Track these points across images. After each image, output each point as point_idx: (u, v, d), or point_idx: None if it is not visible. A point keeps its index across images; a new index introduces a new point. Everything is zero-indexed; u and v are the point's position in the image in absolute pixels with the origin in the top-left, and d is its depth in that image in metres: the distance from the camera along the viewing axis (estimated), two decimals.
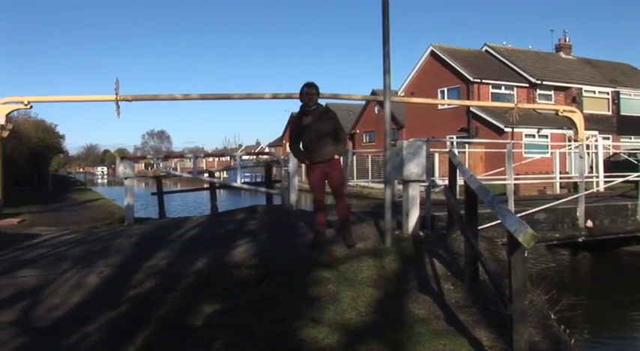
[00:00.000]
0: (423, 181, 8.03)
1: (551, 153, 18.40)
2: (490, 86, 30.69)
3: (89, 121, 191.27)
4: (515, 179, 10.78)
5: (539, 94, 31.53)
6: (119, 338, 4.45)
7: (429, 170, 8.20)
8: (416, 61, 35.25)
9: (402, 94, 34.03)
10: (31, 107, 12.80)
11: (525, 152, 22.65)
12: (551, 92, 31.90)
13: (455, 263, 6.29)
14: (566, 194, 12.97)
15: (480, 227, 6.59)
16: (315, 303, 5.16)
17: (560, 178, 15.64)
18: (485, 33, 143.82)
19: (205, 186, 15.86)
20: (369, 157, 30.77)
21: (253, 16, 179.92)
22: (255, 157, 36.26)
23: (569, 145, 17.50)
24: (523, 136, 27.48)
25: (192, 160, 13.90)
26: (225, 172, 31.20)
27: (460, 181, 7.70)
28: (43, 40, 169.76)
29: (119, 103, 11.86)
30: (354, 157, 20.26)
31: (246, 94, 14.50)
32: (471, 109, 29.79)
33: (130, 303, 5.35)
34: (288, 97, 12.62)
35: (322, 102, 7.30)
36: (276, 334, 4.47)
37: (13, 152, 23.24)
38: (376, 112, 43.51)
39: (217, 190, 15.55)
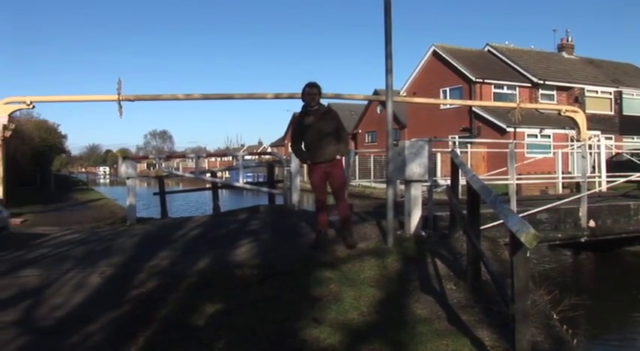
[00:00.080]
0: (425, 181, 8.02)
1: (554, 153, 18.35)
2: (492, 86, 30.64)
3: (91, 120, 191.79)
4: (518, 179, 10.78)
5: (542, 94, 31.47)
6: (121, 338, 4.46)
7: (431, 170, 8.20)
8: (418, 60, 35.26)
9: (405, 94, 34.01)
10: (33, 107, 12.84)
11: (528, 152, 22.60)
12: (554, 92, 31.84)
13: (457, 263, 6.28)
14: (568, 194, 12.95)
15: (482, 227, 6.59)
16: (317, 303, 5.16)
17: (563, 178, 15.65)
18: (488, 33, 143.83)
19: (207, 186, 15.91)
20: (372, 157, 30.78)
21: (256, 15, 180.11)
22: (257, 157, 36.21)
23: (571, 145, 17.49)
24: (525, 136, 27.45)
25: (194, 160, 13.90)
26: (227, 172, 31.23)
27: (462, 181, 7.70)
28: (43, 40, 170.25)
29: (121, 103, 11.90)
30: (357, 157, 20.28)
31: (248, 94, 14.56)
32: (473, 109, 29.76)
33: (132, 303, 5.35)
34: (291, 97, 12.66)
35: (324, 102, 7.28)
36: (278, 334, 4.47)
37: (16, 152, 23.30)
38: (378, 112, 43.47)
39: (219, 190, 15.57)
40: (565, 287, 8.02)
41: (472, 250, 5.53)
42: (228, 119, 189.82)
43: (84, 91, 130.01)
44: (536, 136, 28.25)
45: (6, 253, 8.02)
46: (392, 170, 7.40)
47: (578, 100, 31.00)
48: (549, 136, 28.28)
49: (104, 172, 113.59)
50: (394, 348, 4.20)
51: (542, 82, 30.81)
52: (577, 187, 13.91)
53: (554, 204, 9.87)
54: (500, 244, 7.27)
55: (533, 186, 20.38)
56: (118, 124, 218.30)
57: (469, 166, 7.44)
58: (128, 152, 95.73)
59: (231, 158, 43.41)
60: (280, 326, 4.62)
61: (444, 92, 32.35)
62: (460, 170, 6.93)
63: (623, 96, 33.17)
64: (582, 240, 10.40)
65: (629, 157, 17.22)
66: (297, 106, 7.25)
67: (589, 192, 10.53)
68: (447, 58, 32.50)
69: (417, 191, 7.80)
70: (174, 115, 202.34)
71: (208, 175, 15.69)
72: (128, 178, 11.31)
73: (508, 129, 27.39)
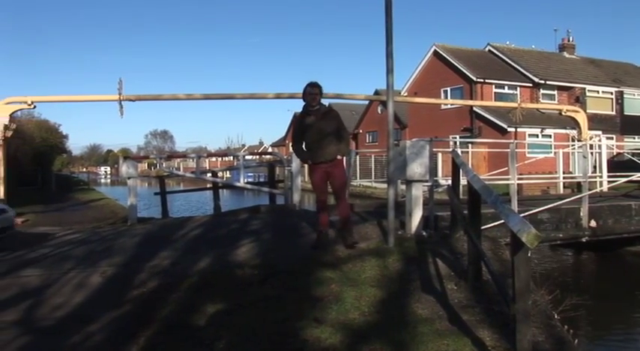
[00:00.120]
0: (426, 181, 8.02)
1: (555, 153, 18.35)
2: (493, 86, 30.63)
3: (92, 120, 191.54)
4: (519, 179, 10.78)
5: (543, 94, 31.45)
6: (122, 338, 4.46)
7: (432, 170, 8.20)
8: (419, 60, 35.24)
9: (405, 93, 34.00)
10: (34, 107, 12.84)
11: (529, 152, 22.60)
12: (555, 92, 31.82)
13: (458, 263, 6.28)
14: (569, 194, 12.95)
15: (483, 227, 6.59)
16: (318, 303, 5.16)
17: (564, 178, 15.65)
18: (489, 33, 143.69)
19: (208, 186, 15.91)
20: (372, 157, 30.75)
21: (257, 15, 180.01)
22: (258, 156, 36.21)
23: (572, 145, 17.49)
24: (526, 136, 27.44)
25: (195, 160, 13.93)
26: (228, 172, 31.21)
27: (463, 181, 7.69)
28: (43, 40, 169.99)
29: (122, 102, 11.91)
30: (358, 157, 20.29)
31: (249, 94, 14.56)
32: (474, 108, 29.75)
33: (133, 303, 5.36)
34: (291, 96, 12.67)
35: (325, 102, 7.27)
36: (279, 334, 4.47)
37: (17, 152, 23.32)
38: (379, 111, 43.45)
39: (220, 190, 15.57)
40: (566, 287, 8.03)
41: (473, 250, 5.52)
42: (229, 119, 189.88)
43: (84, 91, 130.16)
44: (537, 136, 28.24)
45: (12, 252, 8.05)
46: (393, 170, 7.39)
47: (579, 100, 30.97)
48: (550, 136, 28.27)
49: (105, 172, 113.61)
50: (395, 348, 4.20)
51: (543, 81, 30.79)
52: (578, 187, 13.92)
53: (555, 204, 9.87)
54: (501, 244, 7.26)
55: (535, 186, 20.39)
56: (118, 123, 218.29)
57: (470, 166, 7.45)
58: (129, 152, 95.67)
59: (232, 158, 43.37)
60: (281, 326, 4.62)
61: (445, 92, 32.34)
62: (461, 170, 6.93)
63: (625, 96, 33.14)
64: (583, 240, 10.40)
65: (630, 157, 17.21)
66: (298, 106, 7.25)
67: (590, 192, 10.52)
68: (447, 57, 32.49)
69: (418, 191, 7.80)
70: (175, 114, 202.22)
71: (209, 175, 15.69)
72: (129, 178, 11.31)
73: (509, 129, 27.38)
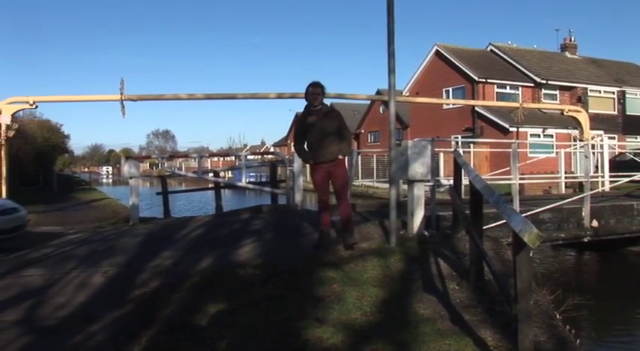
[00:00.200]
0: (428, 181, 8.02)
1: (557, 153, 18.33)
2: (495, 86, 30.61)
3: (94, 120, 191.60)
4: (521, 179, 10.77)
5: (545, 94, 31.44)
6: (124, 338, 4.47)
7: (434, 170, 8.19)
8: (421, 60, 35.21)
9: (407, 93, 34.01)
10: (36, 107, 12.85)
11: (530, 152, 22.57)
12: (557, 92, 31.79)
13: (460, 263, 6.28)
14: (571, 194, 12.93)
15: (485, 227, 6.59)
16: (320, 303, 5.16)
17: (566, 177, 15.64)
18: (490, 32, 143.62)
19: (210, 186, 15.92)
20: (374, 156, 30.77)
21: (259, 15, 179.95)
22: (260, 156, 36.23)
23: (574, 145, 17.46)
24: (528, 136, 27.42)
25: (197, 160, 13.95)
26: (230, 172, 31.24)
27: (465, 181, 7.70)
28: (44, 40, 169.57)
29: (124, 102, 11.90)
30: (359, 156, 20.29)
31: (250, 94, 14.52)
32: (476, 108, 29.73)
33: (135, 302, 5.36)
34: (293, 96, 12.64)
35: (327, 102, 7.27)
36: (281, 333, 4.47)
37: (19, 152, 23.32)
38: (381, 111, 43.44)
39: (222, 190, 15.57)
40: (568, 287, 8.02)
41: (475, 249, 5.52)
42: (230, 119, 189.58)
43: (85, 91, 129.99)
44: (539, 135, 28.22)
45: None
46: (395, 170, 7.39)
47: (581, 100, 30.94)
48: (552, 136, 28.25)
49: (107, 171, 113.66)
50: (397, 348, 4.20)
51: (544, 81, 30.76)
52: (580, 187, 13.89)
53: (557, 204, 9.86)
54: (503, 244, 7.26)
55: (536, 186, 20.38)
56: (120, 123, 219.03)
57: (472, 165, 7.44)
58: (131, 152, 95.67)
59: (233, 158, 43.41)
60: (283, 326, 4.62)
61: (447, 92, 32.32)
62: (463, 170, 6.93)
63: (627, 96, 33.09)
64: (585, 240, 10.39)
65: (632, 156, 17.19)
66: (300, 106, 7.28)
67: (592, 192, 10.51)
68: (449, 57, 32.47)
69: (420, 191, 7.80)
70: (176, 114, 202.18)
71: (211, 174, 15.70)
72: (131, 178, 11.32)
73: (511, 129, 27.37)
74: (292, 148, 9.26)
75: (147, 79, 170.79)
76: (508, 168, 10.37)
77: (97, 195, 30.39)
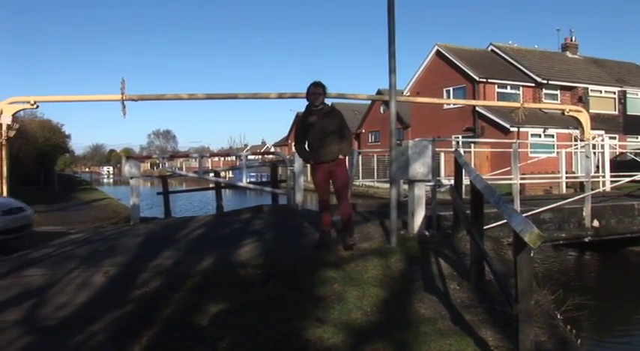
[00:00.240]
0: (429, 181, 8.02)
1: (558, 153, 18.33)
2: (496, 86, 30.61)
3: (95, 120, 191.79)
4: (521, 179, 10.77)
5: (545, 94, 31.43)
6: (125, 338, 4.47)
7: (435, 170, 8.19)
8: (421, 60, 35.22)
9: (408, 93, 34.01)
10: (37, 107, 12.86)
11: (531, 152, 22.57)
12: (558, 92, 31.78)
13: (461, 263, 6.28)
14: (572, 194, 12.93)
15: (485, 227, 6.58)
16: (320, 303, 5.16)
17: (567, 177, 15.63)
18: (491, 32, 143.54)
19: (211, 186, 15.92)
20: (375, 156, 30.77)
21: (260, 15, 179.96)
22: (260, 156, 36.27)
23: (575, 145, 17.46)
24: (529, 136, 27.41)
25: (197, 160, 13.95)
26: (230, 172, 31.28)
27: (466, 181, 7.70)
28: (44, 40, 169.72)
29: (125, 102, 11.90)
30: (360, 156, 20.31)
31: (251, 94, 14.52)
32: (477, 108, 29.73)
33: (135, 302, 5.36)
34: (294, 96, 12.64)
35: (328, 102, 7.26)
36: (281, 333, 4.47)
37: (20, 152, 23.31)
38: (382, 111, 43.45)
39: (223, 190, 15.57)
40: (569, 287, 8.02)
41: (476, 249, 5.52)
42: (231, 119, 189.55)
43: (86, 91, 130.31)
44: (539, 135, 28.21)
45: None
46: (395, 170, 7.39)
47: (582, 100, 30.93)
48: (553, 136, 28.24)
49: (108, 171, 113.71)
50: (398, 348, 4.20)
51: (545, 81, 30.75)
52: (581, 187, 13.88)
53: (557, 204, 9.85)
54: (503, 244, 7.26)
55: (537, 186, 20.38)
56: (121, 123, 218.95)
57: (472, 165, 7.44)
58: (132, 152, 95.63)
59: (234, 158, 43.43)
60: (284, 326, 4.62)
61: (448, 92, 32.32)
62: (464, 170, 6.92)
63: (627, 95, 33.08)
64: (586, 240, 10.38)
65: (633, 156, 17.16)
66: (301, 105, 7.30)
67: (593, 192, 10.50)
68: (450, 57, 32.47)
69: (421, 191, 7.80)
70: (177, 114, 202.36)
71: (212, 174, 15.70)
72: (132, 178, 11.33)
73: (512, 129, 27.36)
74: (293, 148, 9.25)
75: (147, 79, 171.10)
76: (509, 168, 10.37)
77: (98, 195, 30.41)
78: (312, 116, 6.96)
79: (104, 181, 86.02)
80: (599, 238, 10.59)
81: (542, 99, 31.01)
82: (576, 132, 17.99)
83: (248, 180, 13.11)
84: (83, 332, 4.61)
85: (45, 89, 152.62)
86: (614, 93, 32.96)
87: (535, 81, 30.93)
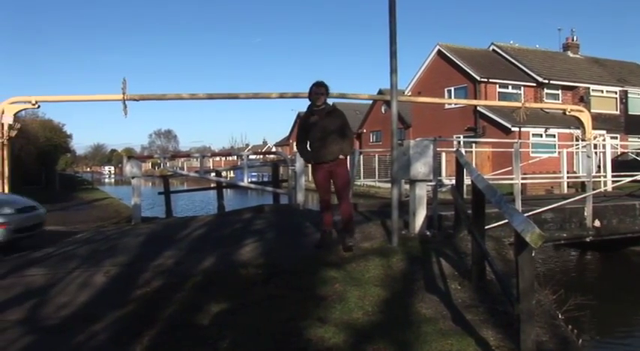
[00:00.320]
0: (430, 181, 8.02)
1: (559, 152, 18.34)
2: (497, 85, 30.61)
3: (96, 120, 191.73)
4: (523, 179, 10.75)
5: (547, 94, 31.43)
6: (126, 337, 4.47)
7: (436, 170, 8.18)
8: (423, 60, 35.25)
9: (409, 93, 34.01)
10: (38, 107, 12.86)
11: (533, 152, 22.58)
12: (559, 91, 31.78)
13: (462, 263, 6.28)
14: (573, 194, 12.91)
15: (487, 227, 6.57)
16: (321, 302, 5.16)
17: (568, 177, 15.60)
18: (493, 32, 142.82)
19: (212, 185, 15.90)
20: (376, 156, 30.74)
21: (261, 15, 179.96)
22: (262, 156, 36.27)
23: (576, 145, 17.45)
24: (530, 136, 27.39)
25: (199, 160, 13.96)
26: (232, 172, 31.31)
27: (467, 181, 7.68)
28: (44, 40, 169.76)
29: (126, 102, 11.90)
30: (361, 156, 20.31)
31: (252, 94, 14.49)
32: (478, 108, 29.72)
33: (137, 302, 5.37)
34: (295, 96, 12.62)
35: (329, 101, 7.25)
36: (282, 333, 4.47)
37: (21, 152, 23.33)
38: (383, 111, 43.46)
39: (224, 190, 15.58)
40: (570, 287, 7.99)
41: (477, 249, 5.52)
42: (232, 119, 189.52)
43: (86, 90, 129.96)
44: (541, 135, 28.19)
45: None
46: (397, 170, 7.39)
47: (584, 100, 30.92)
48: (554, 136, 28.22)
49: (109, 171, 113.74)
50: (399, 347, 4.20)
51: (547, 81, 30.75)
52: (582, 187, 13.86)
53: (559, 204, 9.84)
54: (505, 244, 7.26)
55: (539, 185, 20.34)
56: (122, 123, 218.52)
57: (474, 165, 7.42)
58: (133, 152, 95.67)
59: (235, 158, 43.43)
60: (285, 325, 4.62)
61: (449, 92, 32.32)
62: (465, 170, 6.92)
63: (629, 95, 33.07)
64: (587, 240, 10.37)
65: (634, 156, 17.18)
66: (302, 105, 7.29)
67: (594, 191, 10.49)
68: (451, 57, 32.46)
69: (422, 191, 7.80)
70: (178, 114, 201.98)
71: (213, 174, 15.71)
72: (133, 178, 11.34)
73: (513, 128, 27.35)
74: (294, 148, 9.26)
75: (147, 79, 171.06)
76: (510, 168, 10.36)
77: (100, 195, 30.42)
78: (314, 116, 6.96)
79: (105, 180, 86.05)
80: (601, 238, 10.59)
81: (544, 99, 30.99)
82: (578, 132, 17.96)
83: (249, 180, 13.13)
84: (84, 332, 4.62)
85: (45, 89, 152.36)
86: (616, 93, 32.94)
87: (536, 81, 30.92)
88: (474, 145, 24.94)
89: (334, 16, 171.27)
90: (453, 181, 8.05)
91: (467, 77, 31.12)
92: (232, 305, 5.13)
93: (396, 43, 7.04)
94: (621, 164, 18.03)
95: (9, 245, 8.16)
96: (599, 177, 13.86)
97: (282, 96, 13.28)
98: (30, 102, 12.22)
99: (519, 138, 23.79)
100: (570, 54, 36.03)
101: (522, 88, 31.03)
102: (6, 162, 11.92)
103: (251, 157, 20.05)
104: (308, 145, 7.11)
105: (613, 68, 35.70)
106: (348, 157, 7.66)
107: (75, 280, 6.21)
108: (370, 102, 45.10)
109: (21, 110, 12.86)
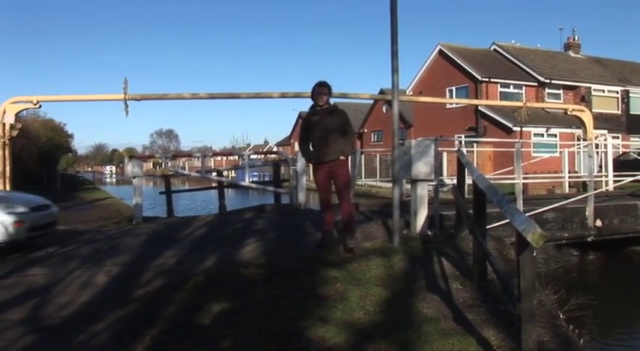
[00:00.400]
0: (432, 181, 8.01)
1: (560, 152, 18.30)
2: (498, 85, 30.58)
3: (97, 120, 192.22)
4: (524, 178, 10.74)
5: (548, 93, 31.38)
6: (128, 337, 4.47)
7: (437, 169, 8.18)
8: (424, 59, 35.23)
9: (411, 93, 33.98)
10: (40, 107, 12.87)
11: (534, 151, 22.50)
12: (560, 91, 31.74)
13: (463, 262, 6.27)
14: (575, 193, 12.90)
15: (488, 226, 6.57)
16: (323, 302, 5.16)
17: (569, 177, 15.59)
18: (494, 32, 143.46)
19: (213, 185, 15.90)
20: (377, 156, 30.70)
21: (262, 15, 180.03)
22: (263, 156, 36.22)
23: (578, 145, 17.42)
24: (532, 136, 27.34)
25: (200, 159, 13.95)
26: (233, 172, 31.35)
27: (468, 181, 7.67)
28: (45, 39, 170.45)
29: (128, 102, 11.91)
30: (363, 156, 20.29)
31: (254, 94, 14.51)
32: (480, 108, 29.70)
33: (138, 302, 5.37)
34: (297, 96, 12.64)
35: (331, 101, 7.25)
36: (284, 333, 4.47)
37: (22, 151, 23.37)
38: (384, 111, 43.45)
39: (225, 189, 15.58)
40: (571, 287, 7.99)
41: (478, 249, 5.51)
42: (234, 118, 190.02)
43: (86, 90, 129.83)
44: (542, 135, 28.12)
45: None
46: (398, 169, 7.39)
47: (585, 99, 30.87)
48: (556, 136, 28.15)
49: (110, 171, 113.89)
50: (400, 347, 4.20)
51: (548, 81, 30.72)
52: (584, 187, 13.86)
53: (560, 203, 9.83)
54: (506, 244, 7.25)
55: (540, 185, 20.33)
56: (124, 123, 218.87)
57: (475, 165, 7.42)
58: (134, 151, 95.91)
59: (237, 157, 43.46)
60: (286, 325, 4.62)
61: (450, 91, 32.31)
62: (466, 169, 6.91)
63: (630, 95, 33.02)
64: (589, 239, 10.37)
65: (635, 156, 17.16)
66: (303, 105, 7.28)
67: (596, 191, 10.49)
68: (453, 57, 32.44)
69: (423, 190, 7.80)
70: (180, 114, 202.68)
71: (214, 174, 15.72)
72: (134, 178, 11.34)
73: (514, 128, 27.33)
74: (296, 148, 9.25)
75: (148, 78, 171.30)
76: (511, 167, 10.34)
77: (101, 194, 30.42)
78: (316, 116, 6.96)
79: (107, 180, 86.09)
80: (602, 238, 10.58)
81: (545, 98, 30.95)
82: (579, 131, 17.95)
83: (250, 179, 13.11)
84: (86, 331, 4.62)
85: (45, 89, 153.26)
86: (617, 92, 32.90)
87: (538, 80, 30.89)
88: (475, 144, 24.90)
89: (335, 15, 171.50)
90: (455, 181, 8.05)
91: (468, 77, 31.10)
92: (234, 305, 5.13)
93: (398, 43, 7.04)
94: (623, 164, 18.01)
95: (24, 244, 8.14)
96: (601, 177, 13.85)
97: (283, 96, 13.29)
98: (31, 102, 12.24)
99: (521, 138, 23.74)
100: (572, 54, 35.99)
101: (524, 87, 30.99)
102: (7, 162, 11.94)
103: (252, 156, 20.01)
104: (310, 146, 7.11)
105: (614, 68, 35.65)
106: (350, 157, 7.66)
107: (76, 279, 6.22)
108: (371, 102, 45.11)
109: (22, 110, 12.88)
